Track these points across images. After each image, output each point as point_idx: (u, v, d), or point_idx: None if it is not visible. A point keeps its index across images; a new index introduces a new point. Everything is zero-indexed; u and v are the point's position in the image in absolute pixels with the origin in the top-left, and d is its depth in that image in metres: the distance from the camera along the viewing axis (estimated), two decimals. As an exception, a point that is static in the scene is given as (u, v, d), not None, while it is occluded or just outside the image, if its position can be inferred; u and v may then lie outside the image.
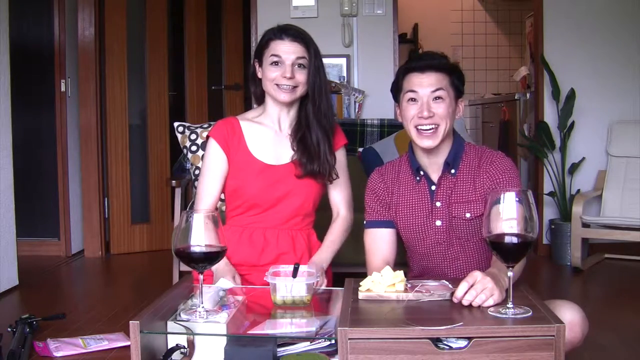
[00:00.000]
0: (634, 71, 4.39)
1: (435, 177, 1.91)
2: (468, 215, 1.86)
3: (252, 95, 2.23)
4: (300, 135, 2.11)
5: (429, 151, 1.88)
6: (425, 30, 7.13)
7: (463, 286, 1.49)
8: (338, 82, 4.40)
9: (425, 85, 1.83)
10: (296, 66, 2.05)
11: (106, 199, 4.71)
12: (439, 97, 1.83)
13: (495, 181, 1.85)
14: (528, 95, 5.12)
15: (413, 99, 1.85)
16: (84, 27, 4.54)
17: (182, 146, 3.52)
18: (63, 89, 4.56)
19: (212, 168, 2.12)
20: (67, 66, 4.58)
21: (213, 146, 2.13)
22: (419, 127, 1.84)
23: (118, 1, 4.59)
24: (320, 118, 2.11)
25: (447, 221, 1.88)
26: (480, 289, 1.48)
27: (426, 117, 1.82)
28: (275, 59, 2.05)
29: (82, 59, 4.55)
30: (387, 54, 4.48)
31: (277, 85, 2.06)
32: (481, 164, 1.89)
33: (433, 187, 1.90)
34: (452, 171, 1.89)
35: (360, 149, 3.67)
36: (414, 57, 1.95)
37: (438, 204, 1.89)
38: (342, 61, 4.47)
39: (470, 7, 7.32)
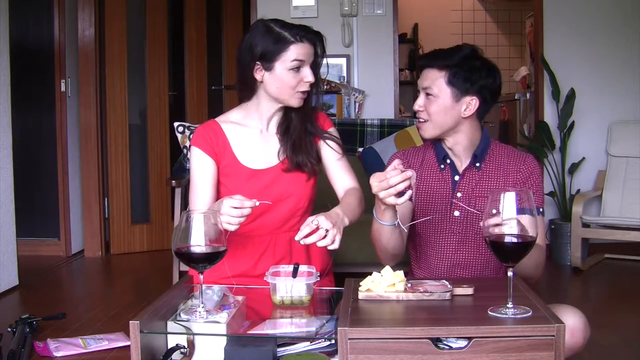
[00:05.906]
0: (634, 71, 4.39)
1: (460, 167, 1.94)
2: None
3: (238, 95, 2.07)
4: (286, 128, 2.03)
5: (448, 143, 1.93)
6: (425, 30, 7.13)
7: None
8: (338, 82, 4.40)
9: (422, 80, 1.93)
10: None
11: (106, 199, 4.71)
12: (429, 94, 1.90)
13: (525, 179, 1.90)
14: (528, 95, 5.13)
15: (419, 91, 1.96)
16: (84, 27, 4.54)
17: (182, 146, 3.53)
18: (63, 89, 4.56)
19: (202, 177, 1.98)
20: (67, 66, 4.58)
21: (198, 155, 1.99)
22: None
23: (118, 1, 4.59)
24: (309, 114, 2.04)
25: (465, 212, 1.90)
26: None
27: (416, 109, 1.93)
28: (298, 64, 1.91)
29: (82, 59, 4.55)
30: (387, 54, 4.48)
31: (299, 92, 1.94)
32: (511, 161, 1.93)
33: (456, 177, 1.93)
34: (477, 164, 1.92)
35: (360, 149, 3.67)
36: (428, 52, 2.02)
37: (459, 194, 1.91)
38: (342, 61, 4.47)
39: (470, 7, 7.32)
